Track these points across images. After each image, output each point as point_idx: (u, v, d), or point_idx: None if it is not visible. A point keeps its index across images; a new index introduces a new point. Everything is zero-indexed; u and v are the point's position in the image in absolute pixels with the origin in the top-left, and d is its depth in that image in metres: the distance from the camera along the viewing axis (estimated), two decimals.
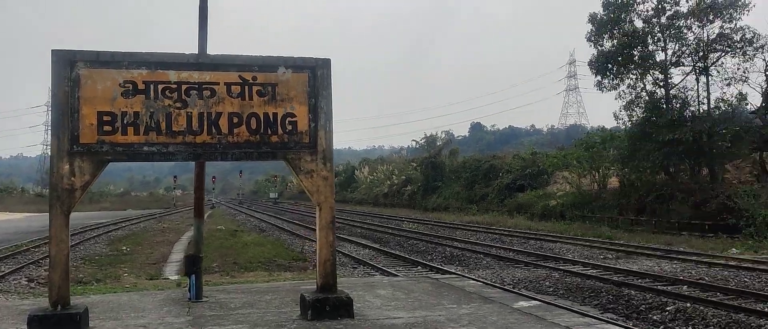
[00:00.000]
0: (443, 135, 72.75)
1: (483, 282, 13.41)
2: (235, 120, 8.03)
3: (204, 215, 10.94)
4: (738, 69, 29.98)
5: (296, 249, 23.43)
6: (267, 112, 8.14)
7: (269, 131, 8.14)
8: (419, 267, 18.26)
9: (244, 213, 56.76)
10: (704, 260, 18.35)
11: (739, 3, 29.31)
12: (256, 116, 8.10)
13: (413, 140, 77.42)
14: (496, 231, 30.59)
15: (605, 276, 15.49)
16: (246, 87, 8.11)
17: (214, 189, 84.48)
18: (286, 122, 8.19)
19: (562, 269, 17.01)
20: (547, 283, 15.18)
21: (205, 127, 7.93)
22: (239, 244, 24.39)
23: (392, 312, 8.93)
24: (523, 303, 9.88)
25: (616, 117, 33.39)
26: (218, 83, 8.02)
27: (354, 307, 8.43)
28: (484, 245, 24.07)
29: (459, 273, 16.21)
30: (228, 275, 16.63)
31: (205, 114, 7.94)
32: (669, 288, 13.77)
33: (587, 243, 23.91)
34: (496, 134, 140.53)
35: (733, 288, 13.55)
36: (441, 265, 18.54)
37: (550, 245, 23.99)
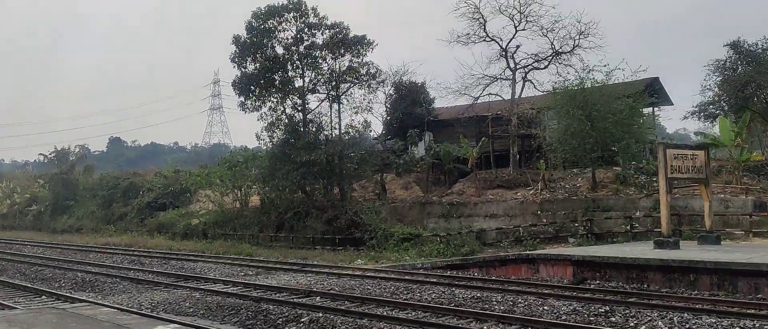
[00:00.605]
0: (77, 149, 67.08)
1: (118, 308, 12.58)
2: None
3: None
4: (364, 100, 33.75)
5: None
6: None
7: None
8: (44, 297, 16.34)
9: None
10: (335, 271, 20.05)
11: (365, 41, 33.02)
12: None
13: (41, 154, 69.67)
14: (135, 253, 29.19)
15: (245, 293, 15.82)
16: None
17: None
18: None
19: (203, 288, 16.89)
20: (187, 304, 14.89)
21: None
22: None
23: None
24: (161, 328, 9.48)
25: (259, 138, 34.39)
26: None
27: None
28: (121, 268, 22.66)
29: (91, 300, 14.93)
30: None
31: None
32: (304, 300, 14.69)
33: (229, 261, 24.22)
34: (137, 150, 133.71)
35: (359, 295, 15.04)
36: (70, 292, 16.96)
37: (191, 265, 23.69)
